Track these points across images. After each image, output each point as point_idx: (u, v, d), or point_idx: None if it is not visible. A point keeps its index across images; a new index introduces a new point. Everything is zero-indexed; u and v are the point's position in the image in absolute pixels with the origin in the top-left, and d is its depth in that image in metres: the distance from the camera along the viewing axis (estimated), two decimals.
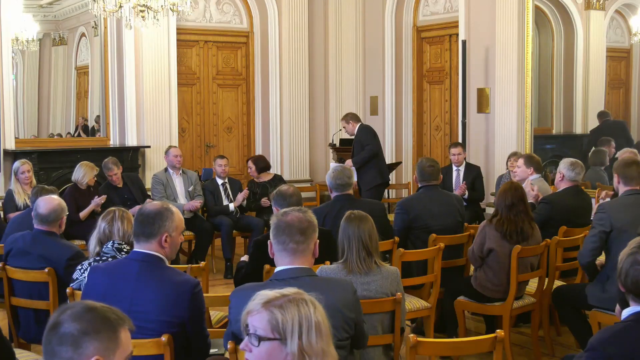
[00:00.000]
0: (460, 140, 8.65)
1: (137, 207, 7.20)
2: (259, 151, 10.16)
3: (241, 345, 1.99)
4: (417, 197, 5.52)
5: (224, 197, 7.79)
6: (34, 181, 7.07)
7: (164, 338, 2.98)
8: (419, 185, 5.52)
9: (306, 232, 2.92)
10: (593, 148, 8.09)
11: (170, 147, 7.99)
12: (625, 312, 2.60)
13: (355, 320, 2.93)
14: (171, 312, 3.04)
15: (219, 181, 7.83)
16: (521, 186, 4.92)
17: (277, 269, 2.95)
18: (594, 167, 7.81)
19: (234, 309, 2.88)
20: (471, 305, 4.89)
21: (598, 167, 7.82)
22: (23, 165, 6.97)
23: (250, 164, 7.98)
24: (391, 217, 5.91)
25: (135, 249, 3.21)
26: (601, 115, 8.43)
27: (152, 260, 3.14)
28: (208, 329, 3.31)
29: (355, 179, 5.40)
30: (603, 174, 7.74)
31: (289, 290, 1.99)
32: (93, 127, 9.77)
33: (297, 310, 1.93)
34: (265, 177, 7.86)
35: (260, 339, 1.93)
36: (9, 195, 6.90)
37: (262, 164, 7.91)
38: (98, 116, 9.64)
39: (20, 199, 6.82)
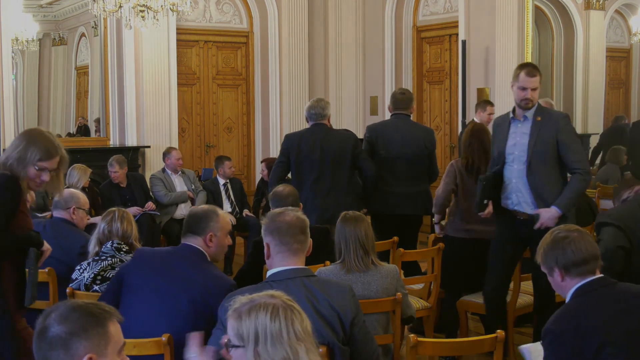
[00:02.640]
0: (460, 140, 8.64)
1: (135, 208, 7.23)
2: (259, 151, 10.17)
3: (220, 341, 2.04)
4: (385, 123, 6.15)
5: (224, 197, 7.79)
6: None
7: (164, 338, 2.98)
8: (391, 114, 6.05)
9: (305, 231, 2.98)
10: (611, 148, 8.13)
11: (170, 149, 7.95)
12: (570, 293, 2.81)
13: (354, 320, 2.89)
14: (208, 301, 3.17)
15: (221, 181, 7.82)
16: (485, 128, 5.30)
17: (273, 270, 2.93)
18: (610, 164, 7.90)
19: (224, 313, 2.77)
20: (473, 304, 4.88)
21: (614, 165, 7.90)
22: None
23: (263, 166, 7.96)
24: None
25: (183, 243, 3.42)
26: (616, 119, 8.51)
27: (197, 252, 3.36)
28: None
29: (329, 111, 5.80)
30: (618, 172, 7.83)
31: (260, 295, 1.99)
32: (86, 126, 9.77)
33: (254, 318, 1.93)
34: None
35: (227, 345, 1.97)
36: None
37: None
38: (98, 118, 9.64)
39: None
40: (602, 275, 2.82)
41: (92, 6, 7.49)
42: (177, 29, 9.33)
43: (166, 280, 3.26)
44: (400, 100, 5.94)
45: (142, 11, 6.94)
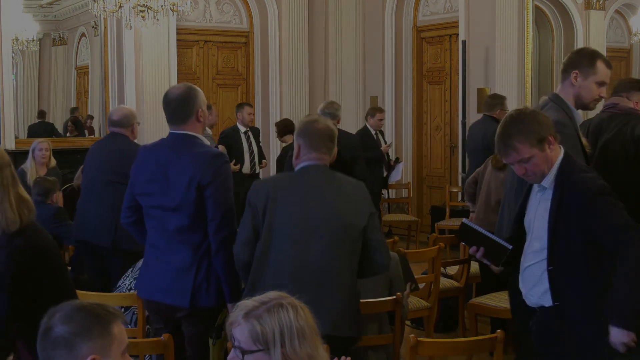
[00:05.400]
0: (460, 141, 8.65)
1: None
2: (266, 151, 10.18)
3: (229, 357, 1.95)
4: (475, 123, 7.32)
5: (245, 145, 7.70)
6: (53, 161, 7.04)
7: (164, 338, 2.98)
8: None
9: (333, 139, 3.26)
10: None
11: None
12: (558, 161, 2.84)
13: (370, 212, 3.17)
14: (196, 173, 3.29)
15: (242, 129, 7.75)
16: None
17: (300, 164, 3.22)
18: None
19: (251, 198, 3.16)
20: (486, 309, 4.80)
21: None
22: (41, 143, 6.99)
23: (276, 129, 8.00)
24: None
25: (171, 131, 3.45)
26: None
27: (186, 136, 3.40)
28: None
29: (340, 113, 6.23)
30: None
31: (269, 297, 1.96)
32: (77, 119, 9.77)
33: (277, 318, 1.89)
34: (289, 140, 7.69)
35: (243, 352, 1.89)
36: (20, 174, 6.85)
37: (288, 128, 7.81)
38: (90, 115, 9.66)
39: (33, 178, 6.74)
40: None
41: (92, 6, 7.49)
42: (177, 29, 9.33)
43: (160, 169, 3.37)
44: (485, 103, 7.13)
45: (142, 11, 6.94)
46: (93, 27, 9.43)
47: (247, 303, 1.95)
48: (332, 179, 3.23)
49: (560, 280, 2.80)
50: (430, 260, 4.93)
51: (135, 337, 3.62)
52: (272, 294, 1.97)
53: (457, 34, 8.95)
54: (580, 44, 8.52)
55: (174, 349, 3.03)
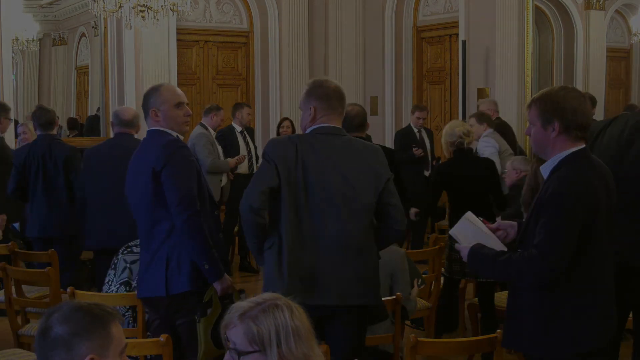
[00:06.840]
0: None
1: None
2: (259, 151, 10.16)
3: (225, 359, 1.96)
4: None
5: (243, 145, 7.65)
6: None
7: (162, 338, 2.98)
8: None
9: (345, 97, 3.31)
10: None
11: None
12: (562, 155, 2.75)
13: (388, 177, 3.20)
14: (151, 162, 3.36)
15: (238, 129, 7.70)
16: None
17: (316, 125, 3.21)
18: None
19: (270, 154, 3.14)
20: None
21: None
22: (19, 127, 7.14)
23: (288, 123, 7.90)
24: None
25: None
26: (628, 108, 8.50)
27: (153, 132, 3.52)
28: None
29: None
30: None
31: (264, 297, 1.95)
32: (75, 120, 9.74)
33: (272, 318, 1.89)
34: None
35: (239, 353, 1.89)
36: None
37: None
38: (73, 118, 9.65)
39: None
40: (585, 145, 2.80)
41: (92, 6, 7.50)
42: (177, 29, 9.33)
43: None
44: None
45: (142, 11, 6.94)
46: (93, 27, 9.44)
47: (241, 304, 1.94)
48: (351, 144, 3.24)
49: None
50: (430, 260, 4.93)
51: (135, 337, 3.63)
52: (266, 295, 1.97)
53: (457, 34, 8.95)
54: (580, 44, 8.54)
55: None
